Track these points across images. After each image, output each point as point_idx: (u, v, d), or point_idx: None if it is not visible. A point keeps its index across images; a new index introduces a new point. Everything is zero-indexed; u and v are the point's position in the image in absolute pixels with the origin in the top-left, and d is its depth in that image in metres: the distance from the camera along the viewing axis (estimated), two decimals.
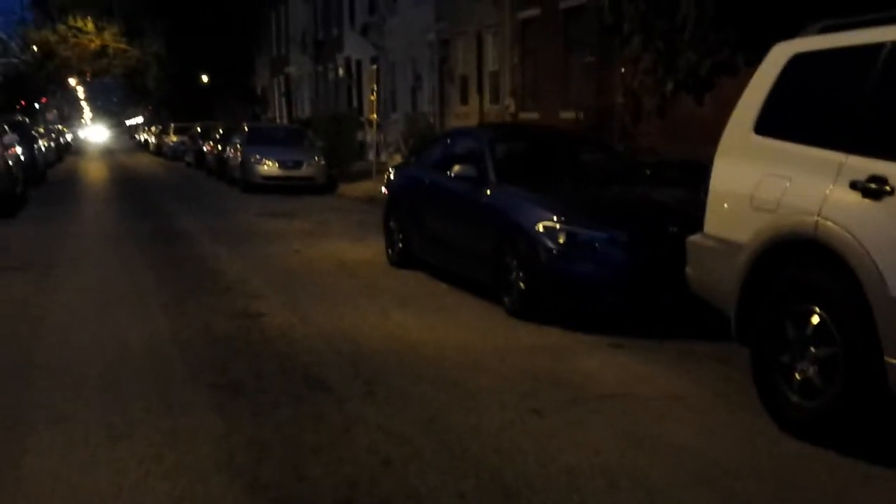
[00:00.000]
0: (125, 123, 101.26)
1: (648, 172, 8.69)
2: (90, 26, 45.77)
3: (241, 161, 20.90)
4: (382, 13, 29.45)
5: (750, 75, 5.39)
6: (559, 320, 6.91)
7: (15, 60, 54.36)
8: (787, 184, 4.65)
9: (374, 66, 23.37)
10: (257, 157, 20.36)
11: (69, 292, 8.09)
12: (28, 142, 23.53)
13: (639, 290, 6.78)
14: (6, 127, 17.32)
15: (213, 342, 6.24)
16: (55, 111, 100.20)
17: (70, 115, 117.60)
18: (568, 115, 18.60)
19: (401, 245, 9.64)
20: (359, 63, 32.22)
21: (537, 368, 5.70)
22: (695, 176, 13.06)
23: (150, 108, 60.06)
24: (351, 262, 10.02)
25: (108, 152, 51.81)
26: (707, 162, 12.03)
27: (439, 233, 8.77)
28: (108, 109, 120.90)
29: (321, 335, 6.49)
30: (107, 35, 46.53)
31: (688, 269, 5.51)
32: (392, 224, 9.91)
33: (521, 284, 7.15)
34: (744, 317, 4.90)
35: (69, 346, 6.15)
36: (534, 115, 20.48)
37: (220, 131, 27.13)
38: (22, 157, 17.84)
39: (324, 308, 7.43)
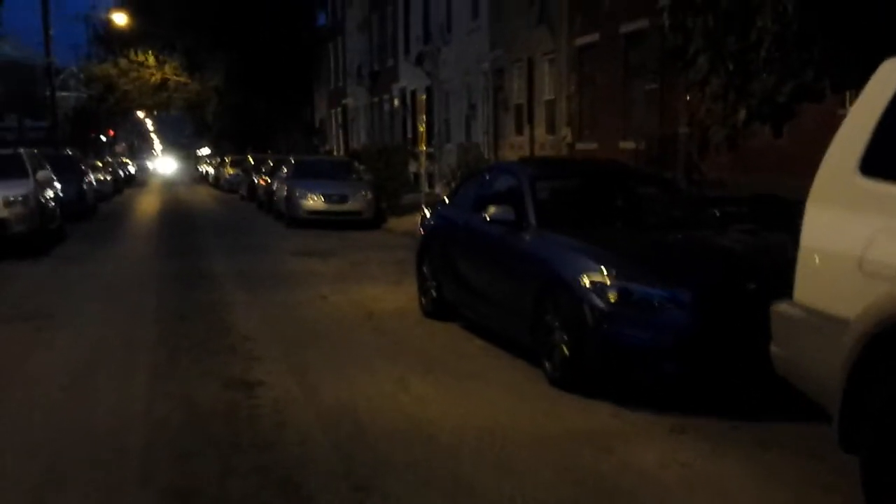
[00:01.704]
0: (194, 155, 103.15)
1: (718, 214, 7.44)
2: (151, 60, 46.05)
3: (286, 195, 20.15)
4: (437, 42, 28.66)
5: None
6: (609, 392, 5.73)
7: (83, 95, 55.20)
8: None
9: (424, 96, 22.41)
10: (302, 190, 19.56)
11: (50, 353, 7.17)
12: (76, 176, 23.29)
13: (706, 359, 5.56)
14: (44, 162, 16.78)
15: (189, 424, 5.21)
16: (124, 144, 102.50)
17: (140, 147, 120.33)
18: (628, 145, 17.37)
19: (434, 294, 8.55)
20: (413, 93, 31.45)
21: (579, 466, 4.54)
22: (770, 212, 11.75)
23: (213, 140, 60.45)
24: (380, 313, 8.96)
25: (169, 185, 52.08)
26: (785, 196, 10.66)
27: (474, 283, 7.65)
28: (178, 142, 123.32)
29: (320, 415, 5.41)
30: (167, 69, 46.76)
31: (773, 347, 4.29)
32: (425, 270, 8.84)
33: (565, 349, 5.99)
34: (851, 417, 3.68)
35: (17, 432, 5.18)
36: (591, 146, 19.29)
37: (271, 163, 26.55)
38: (61, 194, 17.39)
39: (333, 375, 6.36)
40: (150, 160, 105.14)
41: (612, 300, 5.71)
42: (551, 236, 6.65)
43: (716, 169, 14.86)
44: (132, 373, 6.45)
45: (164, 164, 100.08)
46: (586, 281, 5.87)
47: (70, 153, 26.97)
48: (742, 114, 7.33)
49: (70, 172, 22.33)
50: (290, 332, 7.98)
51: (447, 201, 9.11)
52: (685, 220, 7.32)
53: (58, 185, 17.18)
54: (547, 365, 6.23)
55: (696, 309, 5.58)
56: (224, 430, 5.10)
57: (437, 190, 24.29)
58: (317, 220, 19.14)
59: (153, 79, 46.62)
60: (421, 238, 9.24)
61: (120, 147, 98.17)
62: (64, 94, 59.12)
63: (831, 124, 12.33)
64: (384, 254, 14.01)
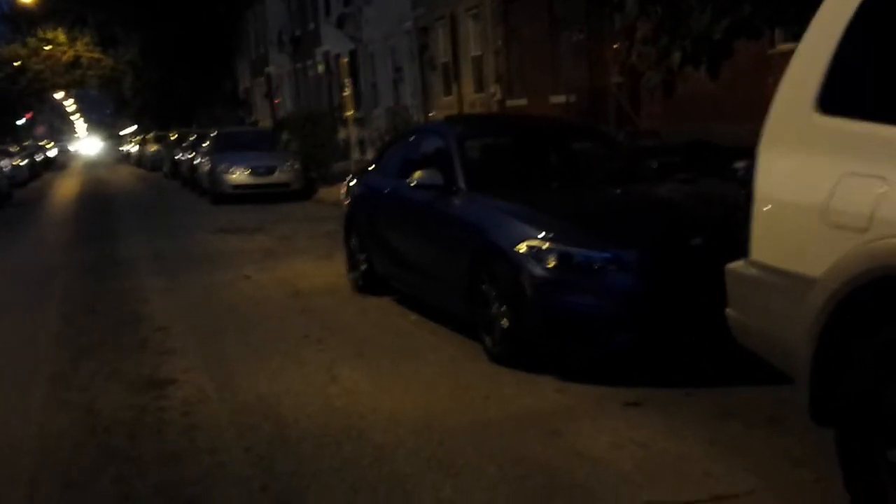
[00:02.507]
0: (119, 135, 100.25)
1: (656, 165, 7.03)
2: (61, 37, 44.08)
3: (209, 170, 19.28)
4: (358, 2, 27.74)
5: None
6: (554, 366, 5.30)
7: None
8: (883, 187, 3.02)
9: (346, 60, 21.63)
10: (225, 164, 18.72)
11: None
12: None
13: (655, 324, 5.15)
14: None
15: (86, 440, 4.61)
16: (43, 127, 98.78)
17: (61, 129, 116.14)
18: (558, 99, 16.94)
19: (364, 267, 8.01)
20: (337, 57, 30.50)
21: (525, 457, 4.08)
22: (704, 159, 11.44)
23: (135, 118, 58.36)
24: (308, 291, 8.39)
25: (91, 166, 50.15)
26: (718, 143, 10.29)
27: (404, 254, 7.14)
28: (102, 122, 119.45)
29: (236, 415, 4.87)
30: (79, 45, 44.84)
31: (729, 311, 3.87)
32: (353, 243, 8.29)
33: (504, 321, 5.52)
34: (822, 385, 3.28)
35: None
36: (522, 102, 18.83)
37: (192, 138, 25.50)
38: None
39: (254, 366, 5.81)
40: (72, 142, 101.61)
41: (551, 266, 5.25)
42: (482, 200, 6.15)
43: (648, 119, 14.54)
44: (28, 380, 5.80)
45: (87, 145, 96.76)
46: (522, 247, 5.39)
47: None
48: (677, 56, 6.88)
49: None
50: (208, 319, 7.38)
51: (371, 168, 8.54)
52: (623, 175, 6.88)
53: None
54: (486, 339, 5.76)
55: (641, 270, 5.15)
56: (126, 443, 4.51)
57: (369, 156, 23.59)
58: (243, 195, 18.36)
59: (65, 57, 44.72)
60: (347, 209, 8.66)
61: (39, 130, 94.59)
62: None
63: (762, 66, 12.08)
64: (314, 226, 13.39)
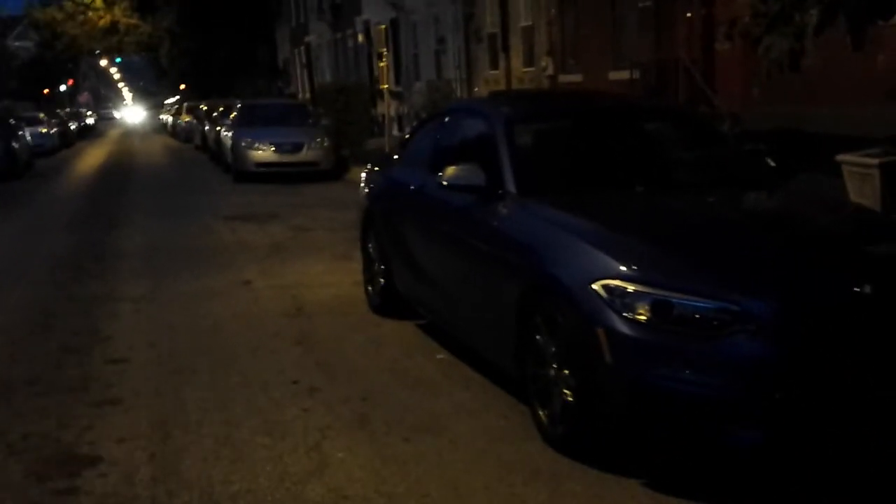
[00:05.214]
0: (162, 104, 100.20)
1: (773, 163, 5.19)
2: (98, 2, 42.86)
3: (232, 146, 17.70)
4: None
5: None
6: (646, 463, 3.60)
7: (28, 44, 51.82)
8: None
9: (384, 27, 19.83)
10: (249, 140, 17.13)
11: None
12: (4, 132, 20.87)
13: (801, 417, 3.39)
14: None
15: None
16: (87, 94, 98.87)
17: (108, 96, 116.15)
18: (620, 75, 15.00)
19: (382, 282, 6.34)
20: (378, 27, 28.67)
21: None
22: (792, 150, 9.52)
23: (172, 87, 57.18)
24: (312, 307, 6.74)
25: (127, 135, 48.95)
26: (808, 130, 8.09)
27: (432, 273, 5.43)
28: (148, 90, 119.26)
29: None
30: (116, 10, 43.58)
31: None
32: (371, 250, 6.61)
33: (568, 393, 3.81)
34: None
35: None
36: (576, 78, 16.91)
37: (220, 110, 23.96)
38: None
39: (215, 435, 4.16)
40: (118, 110, 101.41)
41: (642, 319, 3.51)
42: (539, 210, 4.40)
43: (725, 101, 12.60)
44: None
45: (132, 113, 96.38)
46: (597, 286, 3.66)
47: None
48: (813, 14, 5.01)
49: None
50: (181, 348, 5.75)
51: (396, 157, 6.81)
52: (731, 176, 5.07)
53: None
54: (541, 413, 4.06)
55: (780, 331, 3.39)
56: None
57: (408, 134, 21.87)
58: (267, 174, 16.78)
59: (102, 21, 43.49)
60: (364, 204, 6.95)
61: (83, 97, 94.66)
62: (19, 44, 55.60)
63: (870, 38, 9.81)
64: (338, 213, 11.68)
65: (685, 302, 3.47)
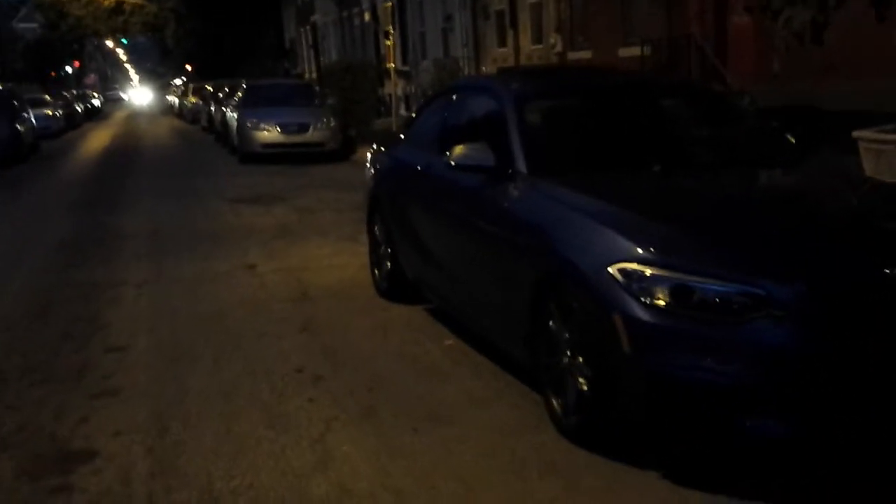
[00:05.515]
0: (169, 85, 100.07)
1: (793, 140, 4.99)
2: None
3: (238, 126, 17.51)
4: None
5: None
6: (663, 454, 3.44)
7: (34, 25, 51.59)
8: None
9: (389, 5, 19.55)
10: (254, 120, 16.94)
11: None
12: (8, 113, 20.68)
13: (826, 407, 3.21)
14: None
15: None
16: (93, 76, 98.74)
17: (116, 77, 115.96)
18: (630, 51, 14.73)
19: (389, 265, 6.17)
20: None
21: None
22: (807, 128, 9.29)
23: (178, 68, 56.93)
24: (318, 291, 6.59)
25: (134, 116, 48.82)
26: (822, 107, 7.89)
27: (439, 257, 5.25)
28: (154, 71, 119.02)
29: None
30: None
31: None
32: (377, 232, 6.44)
33: (582, 382, 3.64)
34: None
35: None
36: (585, 55, 16.64)
37: (226, 90, 23.76)
38: None
39: (215, 429, 4.01)
40: (124, 91, 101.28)
41: (661, 304, 3.33)
42: (552, 191, 4.21)
43: (735, 78, 12.34)
44: None
45: (139, 94, 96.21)
46: (614, 270, 3.48)
47: (0, 88, 24.10)
48: None
49: (1, 110, 19.85)
50: (183, 334, 5.60)
51: (402, 137, 6.62)
52: (750, 154, 4.87)
53: None
54: (554, 403, 3.89)
55: (806, 317, 3.21)
56: None
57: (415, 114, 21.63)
58: (273, 155, 16.60)
59: (107, 2, 43.13)
60: (370, 184, 6.77)
61: (89, 79, 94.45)
62: (24, 25, 55.37)
63: (886, 10, 9.47)
64: (345, 194, 11.49)
65: (706, 286, 3.29)
